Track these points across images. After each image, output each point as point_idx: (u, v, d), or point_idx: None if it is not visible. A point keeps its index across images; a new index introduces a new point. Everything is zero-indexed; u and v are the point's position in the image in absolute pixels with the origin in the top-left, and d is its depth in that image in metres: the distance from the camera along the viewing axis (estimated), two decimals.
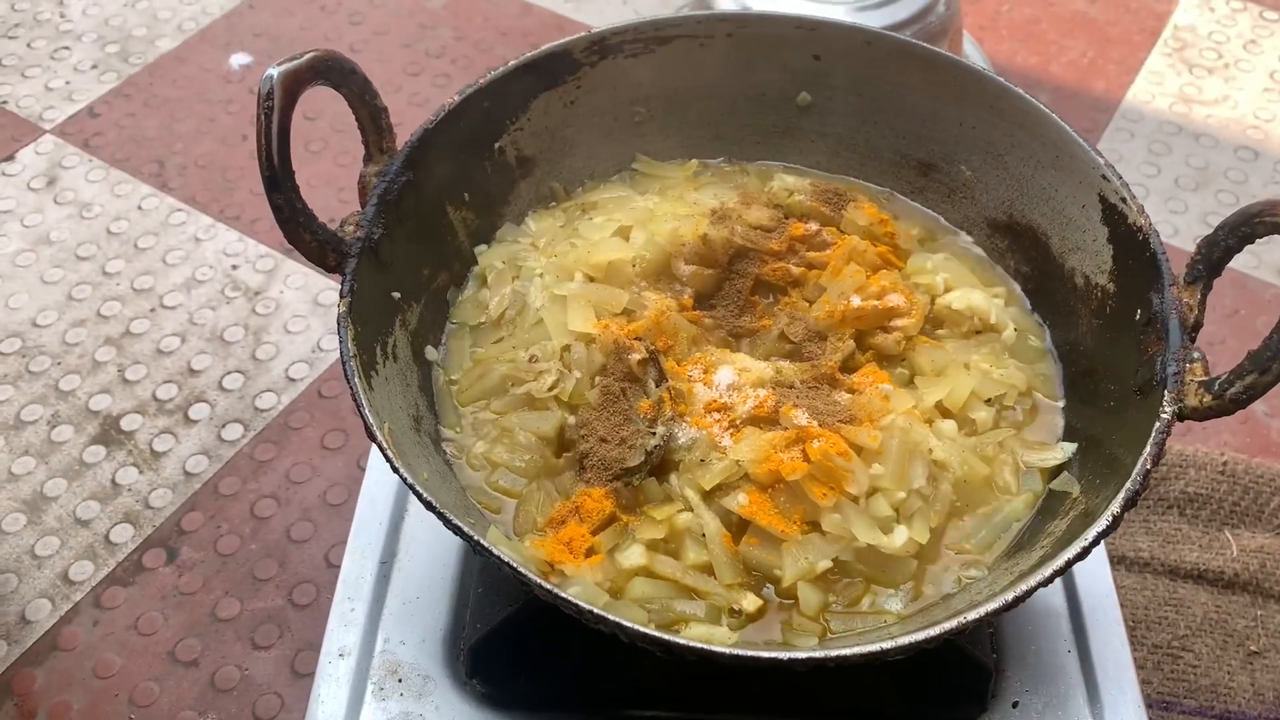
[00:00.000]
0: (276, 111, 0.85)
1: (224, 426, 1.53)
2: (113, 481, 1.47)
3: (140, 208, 1.81)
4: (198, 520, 1.44)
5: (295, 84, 0.87)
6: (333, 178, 1.86)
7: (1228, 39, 2.11)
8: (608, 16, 2.16)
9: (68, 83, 2.02)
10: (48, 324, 1.65)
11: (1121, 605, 1.33)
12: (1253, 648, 1.30)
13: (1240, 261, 1.72)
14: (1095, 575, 1.07)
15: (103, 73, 2.04)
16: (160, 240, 1.77)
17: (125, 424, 1.53)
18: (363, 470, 1.49)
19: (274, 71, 0.86)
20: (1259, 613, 1.34)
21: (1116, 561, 1.37)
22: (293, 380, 1.59)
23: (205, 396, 1.57)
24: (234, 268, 1.73)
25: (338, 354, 1.60)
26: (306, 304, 1.68)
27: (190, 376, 1.59)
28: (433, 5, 2.19)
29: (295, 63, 0.87)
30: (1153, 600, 1.34)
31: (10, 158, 1.89)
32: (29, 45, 2.10)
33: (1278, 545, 1.38)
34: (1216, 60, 2.07)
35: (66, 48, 2.10)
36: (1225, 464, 1.43)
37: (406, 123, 1.97)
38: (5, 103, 1.98)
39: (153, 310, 1.67)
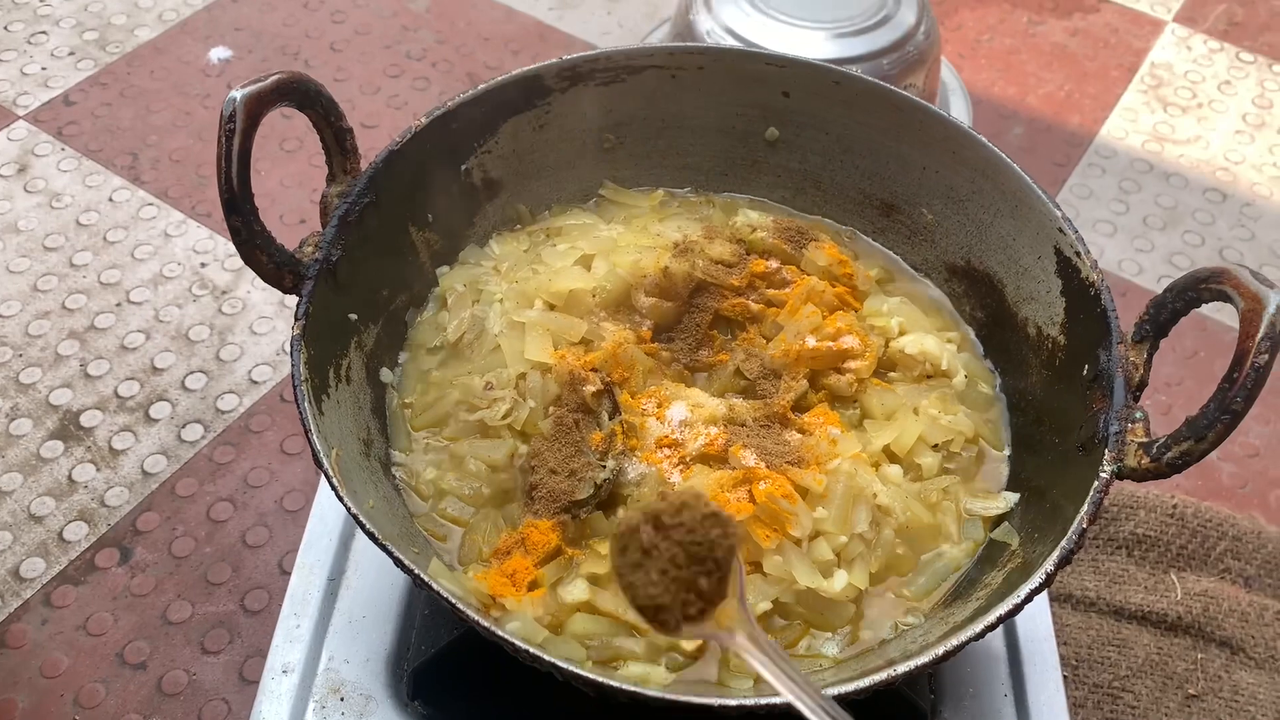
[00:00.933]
0: (238, 135, 0.86)
1: (184, 426, 1.53)
2: (69, 478, 1.47)
3: (111, 200, 1.81)
4: (153, 521, 1.43)
5: (259, 106, 0.87)
6: (306, 177, 1.85)
7: (1203, 79, 2.14)
8: (590, 27, 2.16)
9: (44, 68, 2.01)
10: (10, 314, 1.64)
11: (1065, 643, 1.35)
12: (1191, 691, 1.32)
13: (1205, 305, 1.74)
14: (1035, 621, 1.09)
15: (80, 60, 2.03)
16: (130, 234, 1.76)
17: (85, 420, 1.53)
18: (320, 477, 1.49)
19: (237, 94, 0.86)
20: (1200, 656, 1.36)
21: (1064, 600, 1.39)
22: (255, 383, 1.58)
23: (167, 395, 1.56)
24: (203, 265, 1.72)
25: None
26: (273, 305, 1.68)
27: (153, 374, 1.58)
28: (415, 7, 2.18)
29: (259, 85, 0.88)
30: (1096, 640, 1.36)
31: None
32: (5, 28, 2.08)
33: (1221, 590, 1.40)
34: (1191, 100, 2.09)
35: (44, 32, 2.08)
36: (1175, 507, 1.45)
37: (384, 125, 1.97)
38: None
39: (119, 305, 1.66)
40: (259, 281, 1.70)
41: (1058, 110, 2.06)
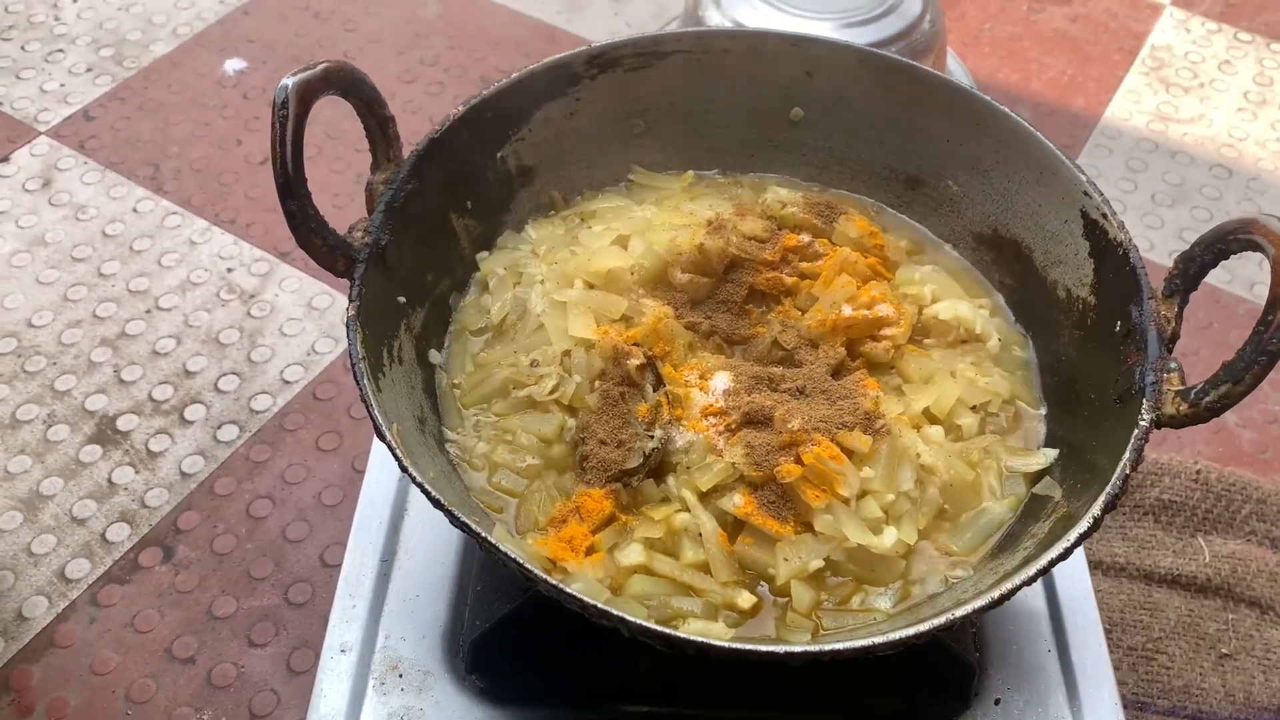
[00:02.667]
0: (291, 120, 0.88)
1: (219, 428, 1.55)
2: (109, 481, 1.49)
3: (135, 210, 1.83)
4: (194, 520, 1.46)
5: (309, 93, 0.90)
6: (327, 183, 1.88)
7: (1203, 59, 2.17)
8: (598, 28, 2.20)
9: (62, 85, 2.04)
10: (43, 324, 1.66)
11: (1098, 608, 1.37)
12: (1224, 650, 1.35)
13: (1214, 276, 1.77)
14: (1075, 578, 1.11)
15: (97, 76, 2.06)
16: (155, 243, 1.78)
17: (121, 424, 1.55)
18: (357, 472, 1.51)
19: (289, 81, 0.88)
20: (1230, 616, 1.38)
21: (1094, 566, 1.41)
22: (288, 382, 1.61)
23: (201, 398, 1.58)
24: (229, 271, 1.75)
25: (332, 357, 1.63)
26: (301, 307, 1.70)
27: (186, 378, 1.61)
28: (427, 14, 2.21)
29: (309, 73, 0.90)
30: (1128, 604, 1.38)
31: (5, 159, 1.90)
32: (23, 48, 2.11)
33: (1248, 551, 1.43)
34: (1192, 80, 2.13)
35: (61, 50, 2.11)
36: (1199, 472, 1.48)
37: (401, 131, 1.99)
38: (0, 104, 1.99)
39: (148, 312, 1.69)
40: (287, 284, 1.73)
41: (1062, 94, 2.09)
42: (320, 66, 0.91)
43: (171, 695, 1.30)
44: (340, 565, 1.41)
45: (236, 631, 1.36)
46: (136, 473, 1.50)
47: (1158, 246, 1.83)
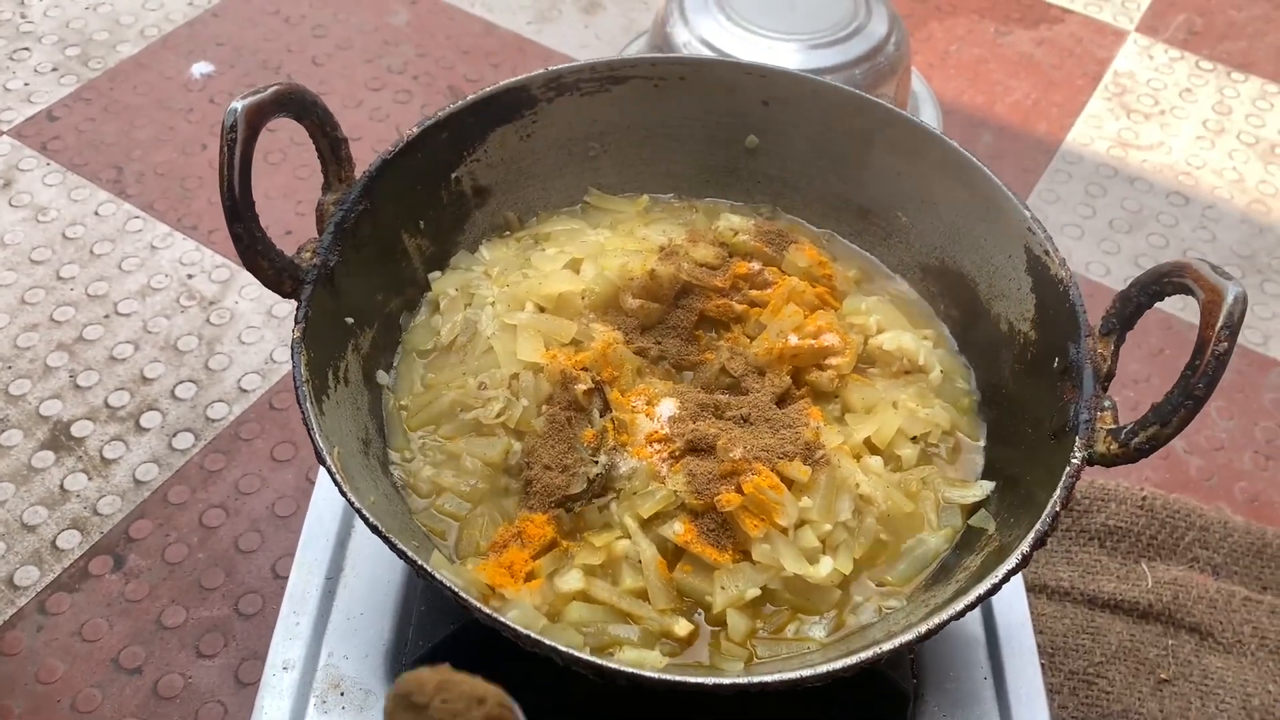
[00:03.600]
0: (239, 144, 0.89)
1: (175, 435, 1.55)
2: (61, 487, 1.48)
3: (97, 213, 1.82)
4: (146, 528, 1.45)
5: (258, 117, 0.90)
6: (291, 189, 1.88)
7: (1165, 86, 2.20)
8: (569, 40, 2.20)
9: (26, 84, 2.03)
10: None
11: (1041, 632, 1.39)
12: (1163, 675, 1.37)
13: (1169, 304, 1.79)
14: (1012, 606, 1.13)
15: (62, 76, 2.05)
16: (116, 247, 1.78)
17: (76, 430, 1.54)
18: (311, 483, 1.51)
19: (238, 105, 0.89)
20: (1170, 642, 1.40)
21: (1039, 590, 1.43)
22: (245, 391, 1.61)
23: (157, 405, 1.58)
24: (189, 277, 1.74)
25: (290, 366, 1.62)
26: (261, 315, 1.70)
27: (143, 384, 1.60)
28: (396, 21, 2.21)
29: (259, 96, 0.91)
30: (1071, 628, 1.40)
31: None
32: None
33: (1190, 578, 1.45)
34: (1153, 106, 2.16)
35: (26, 49, 2.10)
36: (1145, 499, 1.50)
37: (367, 138, 2.00)
38: None
39: (106, 317, 1.68)
40: (246, 292, 1.72)
41: (1025, 118, 2.12)
42: (271, 90, 0.92)
43: (117, 705, 1.30)
44: (289, 577, 1.42)
45: (185, 642, 1.36)
46: (90, 479, 1.50)
47: (1114, 272, 1.86)
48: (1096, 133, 2.10)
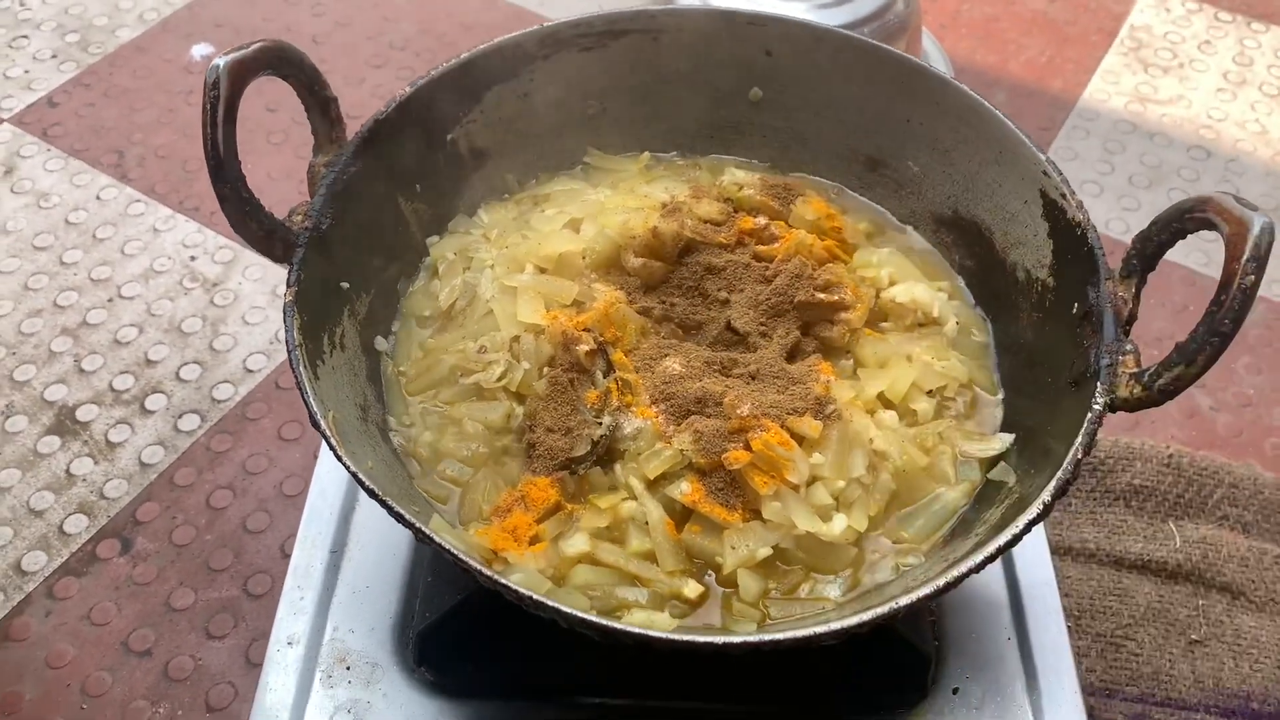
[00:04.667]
0: (222, 101, 0.86)
1: (180, 417, 1.53)
2: (67, 472, 1.47)
3: (99, 198, 1.81)
4: (153, 511, 1.44)
5: (242, 73, 0.88)
6: (293, 169, 1.85)
7: (1183, 39, 2.15)
8: (573, 11, 2.16)
9: (26, 71, 2.01)
10: (3, 314, 1.64)
11: (1067, 595, 1.36)
12: (1194, 636, 1.33)
13: (1191, 259, 1.75)
14: (1035, 565, 1.09)
15: (62, 62, 2.03)
16: (119, 231, 1.76)
17: (81, 414, 1.53)
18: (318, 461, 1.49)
19: (220, 61, 0.86)
20: (1200, 602, 1.36)
21: (1064, 552, 1.39)
22: (250, 371, 1.59)
23: (162, 387, 1.56)
24: (192, 259, 1.72)
25: None
26: (265, 295, 1.68)
27: (147, 367, 1.59)
28: None
29: (242, 52, 0.88)
30: (1098, 590, 1.36)
31: None
32: None
33: (1219, 536, 1.41)
34: (1171, 60, 2.10)
35: (25, 36, 2.08)
36: (1171, 456, 1.46)
37: (369, 114, 1.97)
38: None
39: (110, 301, 1.67)
40: (250, 273, 1.70)
41: (1039, 76, 2.07)
42: (254, 45, 0.89)
43: (128, 688, 1.29)
44: (293, 552, 1.40)
45: (195, 623, 1.34)
46: (96, 464, 1.48)
47: (1133, 229, 1.80)
48: (1114, 88, 2.05)
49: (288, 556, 1.40)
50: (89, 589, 1.36)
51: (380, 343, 1.03)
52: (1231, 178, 1.89)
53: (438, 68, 1.07)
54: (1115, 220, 1.82)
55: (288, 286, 0.91)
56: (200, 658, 1.31)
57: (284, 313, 0.89)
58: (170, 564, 1.39)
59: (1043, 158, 1.02)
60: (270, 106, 1.91)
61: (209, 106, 0.86)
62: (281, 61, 0.92)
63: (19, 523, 1.42)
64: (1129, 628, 1.34)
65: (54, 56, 2.04)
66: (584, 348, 0.97)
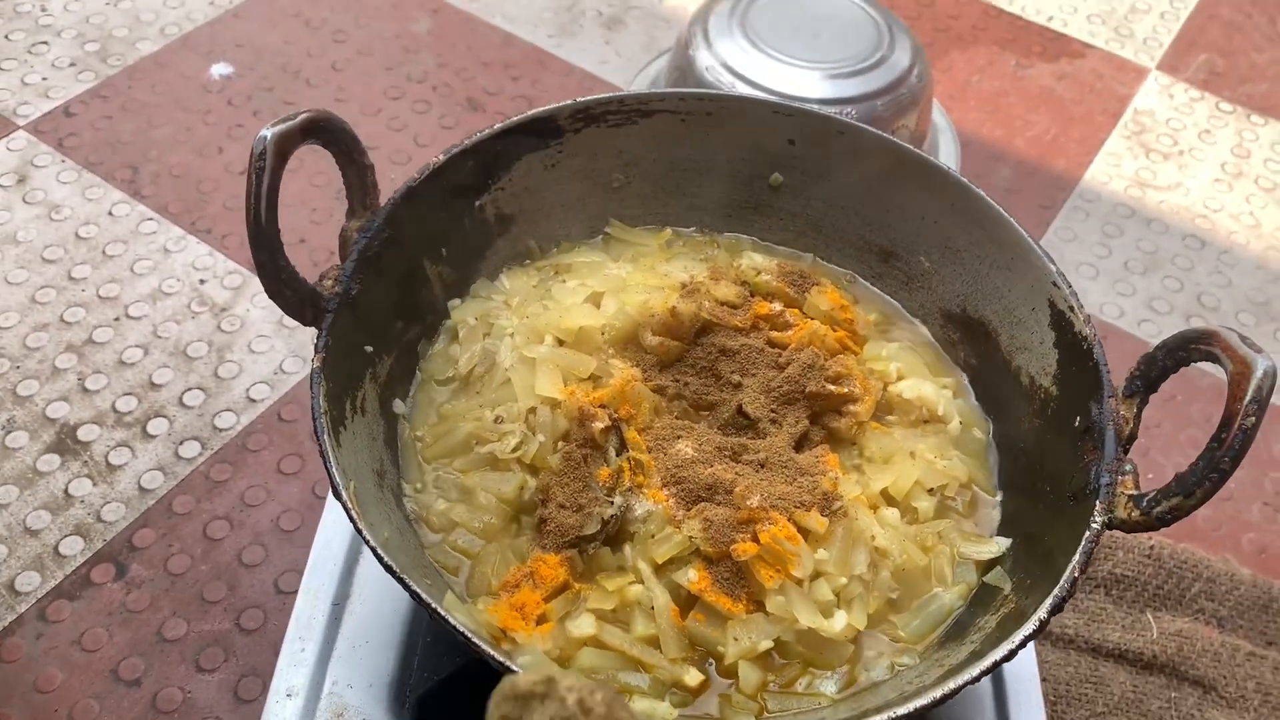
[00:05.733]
0: (268, 172, 0.88)
1: (181, 443, 1.54)
2: (65, 492, 1.48)
3: (111, 213, 1.81)
4: (149, 537, 1.44)
5: (287, 145, 0.90)
6: (306, 197, 1.87)
7: (1184, 126, 2.20)
8: (589, 55, 2.20)
9: (44, 79, 2.02)
10: (9, 326, 1.65)
11: (1044, 680, 1.39)
12: None
13: None
14: (1021, 660, 1.12)
15: (81, 71, 2.04)
16: (129, 249, 1.77)
17: (82, 434, 1.54)
18: (317, 497, 1.51)
19: (267, 133, 0.88)
20: (1173, 694, 1.39)
21: (1043, 637, 1.42)
22: (253, 401, 1.60)
23: (165, 411, 1.57)
24: (202, 282, 1.74)
25: (299, 377, 1.62)
26: (272, 324, 1.69)
27: (151, 390, 1.59)
28: (417, 29, 2.21)
29: (288, 124, 0.90)
30: (1075, 677, 1.39)
31: None
32: (6, 37, 2.08)
33: (1195, 630, 1.44)
34: (1172, 146, 2.15)
35: (45, 43, 2.09)
36: (1152, 548, 1.50)
37: (384, 147, 1.99)
38: None
39: (117, 319, 1.67)
40: (258, 300, 1.72)
41: (1044, 153, 2.11)
42: (300, 117, 0.91)
43: (115, 718, 1.29)
44: (295, 593, 1.41)
45: (185, 655, 1.35)
46: (94, 485, 1.49)
47: (1127, 314, 1.85)
48: (1115, 171, 2.09)
49: (282, 593, 1.41)
50: (81, 613, 1.37)
51: (399, 405, 1.05)
52: (1224, 269, 1.94)
53: (472, 136, 1.10)
54: (1109, 304, 1.86)
55: (315, 352, 0.93)
56: (189, 690, 1.32)
57: (311, 380, 0.91)
58: (164, 593, 1.40)
59: (1054, 269, 1.05)
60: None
61: (254, 177, 0.88)
62: (325, 132, 0.94)
63: (14, 541, 1.42)
64: (1104, 716, 1.37)
65: (73, 65, 2.05)
66: (599, 424, 0.99)
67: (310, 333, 1.68)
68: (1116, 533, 1.48)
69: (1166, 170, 2.11)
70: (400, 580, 0.82)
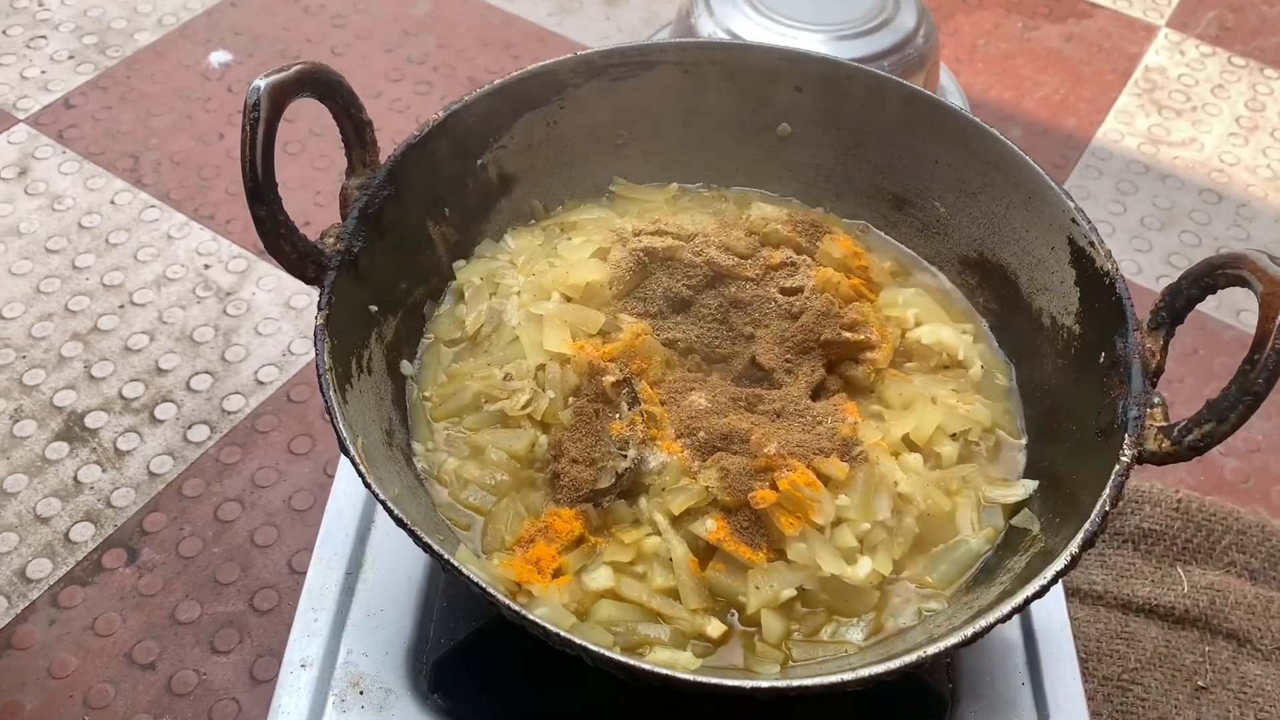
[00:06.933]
0: (262, 123, 0.86)
1: (190, 427, 1.52)
2: (75, 479, 1.46)
3: (113, 202, 1.80)
4: (160, 521, 1.43)
5: (282, 96, 0.88)
6: (309, 180, 1.85)
7: (1196, 82, 2.16)
8: (590, 32, 2.17)
9: (43, 72, 2.00)
10: (14, 316, 1.63)
11: (1074, 637, 1.35)
12: (1200, 683, 1.33)
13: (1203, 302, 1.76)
14: (1051, 610, 1.09)
15: (79, 64, 2.03)
16: (132, 236, 1.75)
17: (90, 421, 1.52)
18: (329, 477, 1.49)
19: (261, 83, 0.86)
20: (1207, 649, 1.36)
21: (1071, 594, 1.39)
22: (261, 383, 1.58)
23: (172, 396, 1.56)
24: (206, 267, 1.72)
25: (308, 358, 1.60)
26: (278, 307, 1.67)
27: (158, 375, 1.58)
28: (416, 12, 2.19)
29: (283, 74, 0.88)
30: (1105, 633, 1.36)
31: None
32: (4, 32, 2.07)
33: (1227, 583, 1.41)
34: (1184, 103, 2.12)
35: (43, 36, 2.08)
36: (1180, 501, 1.46)
37: (386, 129, 1.97)
38: None
39: (122, 307, 1.66)
40: (264, 283, 1.70)
41: (1054, 113, 2.08)
42: (294, 68, 0.89)
43: (130, 701, 1.28)
44: (308, 573, 1.39)
45: (199, 637, 1.33)
46: (104, 471, 1.47)
47: (1145, 270, 1.82)
48: (1127, 129, 2.06)
49: (295, 572, 1.40)
50: (94, 599, 1.36)
51: (406, 366, 1.03)
52: (1242, 222, 1.91)
53: (471, 93, 1.07)
54: (1127, 261, 1.83)
55: (319, 310, 0.91)
56: (205, 672, 1.30)
57: (314, 336, 0.89)
58: (176, 576, 1.38)
59: (1072, 204, 1.02)
60: (288, 117, 1.89)
61: (249, 128, 0.86)
62: (320, 83, 0.92)
63: (25, 529, 1.41)
64: (1135, 672, 1.34)
65: (71, 58, 2.04)
66: (610, 378, 0.97)
67: None
68: (1143, 486, 1.46)
69: (1180, 126, 2.07)
70: (411, 533, 0.79)
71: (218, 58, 2.06)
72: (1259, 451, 1.59)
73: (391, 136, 1.95)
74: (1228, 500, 1.50)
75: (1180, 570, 1.43)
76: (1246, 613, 1.39)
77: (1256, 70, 2.19)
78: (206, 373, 1.59)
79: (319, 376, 0.87)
